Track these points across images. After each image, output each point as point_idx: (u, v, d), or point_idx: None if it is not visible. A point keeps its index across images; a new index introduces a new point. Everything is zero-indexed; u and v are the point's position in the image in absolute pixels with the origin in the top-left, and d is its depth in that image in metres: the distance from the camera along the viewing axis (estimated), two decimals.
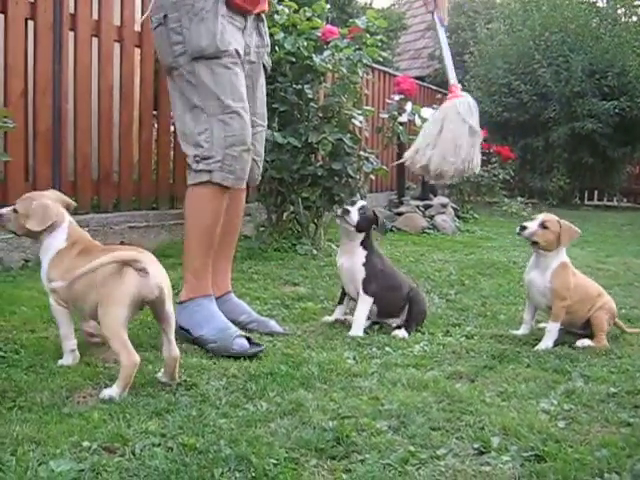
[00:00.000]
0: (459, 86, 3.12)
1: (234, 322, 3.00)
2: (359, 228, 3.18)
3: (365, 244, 3.23)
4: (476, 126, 2.97)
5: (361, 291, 3.18)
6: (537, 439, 2.00)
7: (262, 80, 3.32)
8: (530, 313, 3.26)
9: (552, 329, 3.06)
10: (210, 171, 2.91)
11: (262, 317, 3.21)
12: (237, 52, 2.97)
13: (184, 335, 2.89)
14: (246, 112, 2.96)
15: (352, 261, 3.22)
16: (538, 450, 1.93)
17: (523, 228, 3.10)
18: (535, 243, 3.09)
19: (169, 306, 2.34)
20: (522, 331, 3.23)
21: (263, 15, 3.28)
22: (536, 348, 2.98)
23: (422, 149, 2.98)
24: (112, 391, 2.20)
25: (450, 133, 2.91)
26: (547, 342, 3.02)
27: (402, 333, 3.13)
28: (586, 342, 3.07)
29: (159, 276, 2.31)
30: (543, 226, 3.08)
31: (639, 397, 2.41)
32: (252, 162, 3.13)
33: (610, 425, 2.16)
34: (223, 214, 3.01)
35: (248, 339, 2.78)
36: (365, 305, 3.17)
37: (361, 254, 3.21)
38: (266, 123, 3.36)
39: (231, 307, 3.18)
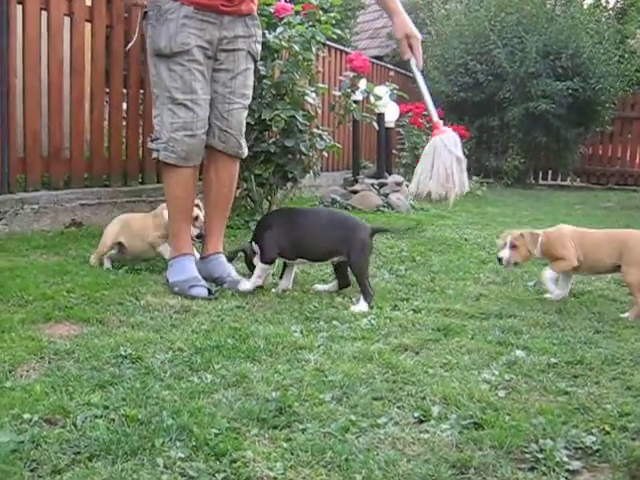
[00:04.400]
0: (441, 122, 3.43)
1: (213, 278, 3.59)
2: None
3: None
4: (461, 155, 3.35)
5: (259, 263, 3.42)
6: (476, 408, 2.05)
7: (247, 65, 3.65)
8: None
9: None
10: (158, 150, 3.49)
11: (237, 277, 3.57)
12: (200, 47, 3.40)
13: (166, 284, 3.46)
14: (194, 103, 3.43)
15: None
16: (477, 418, 1.98)
17: (500, 260, 3.46)
18: (517, 263, 3.49)
19: None
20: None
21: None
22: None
23: (422, 182, 3.33)
24: None
25: (441, 165, 3.28)
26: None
27: (359, 308, 3.17)
28: None
29: None
30: (512, 246, 3.43)
31: (578, 367, 2.48)
32: (228, 135, 3.62)
33: (548, 394, 2.22)
34: (189, 185, 3.55)
35: (209, 291, 3.35)
36: (259, 269, 3.40)
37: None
38: (246, 102, 3.70)
39: (214, 266, 3.67)
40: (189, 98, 3.40)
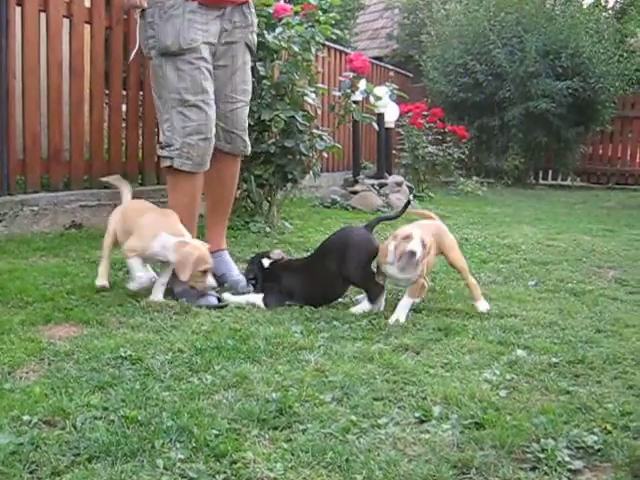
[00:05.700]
0: None
1: (216, 276, 3.33)
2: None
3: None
4: None
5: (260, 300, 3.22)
6: (477, 407, 2.05)
7: (245, 58, 3.57)
8: None
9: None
10: (171, 157, 3.31)
11: (238, 278, 3.54)
12: (207, 44, 3.30)
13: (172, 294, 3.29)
14: (206, 104, 3.30)
15: None
16: (478, 418, 1.97)
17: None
18: None
19: None
20: None
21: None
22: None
23: None
24: None
25: None
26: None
27: (358, 308, 3.15)
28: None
29: None
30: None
31: (580, 366, 2.47)
32: (233, 135, 3.58)
33: (550, 393, 2.21)
34: (197, 191, 3.45)
35: (218, 299, 3.22)
36: (250, 302, 3.20)
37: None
38: (247, 98, 3.63)
39: (217, 263, 3.48)
40: (201, 99, 3.29)
